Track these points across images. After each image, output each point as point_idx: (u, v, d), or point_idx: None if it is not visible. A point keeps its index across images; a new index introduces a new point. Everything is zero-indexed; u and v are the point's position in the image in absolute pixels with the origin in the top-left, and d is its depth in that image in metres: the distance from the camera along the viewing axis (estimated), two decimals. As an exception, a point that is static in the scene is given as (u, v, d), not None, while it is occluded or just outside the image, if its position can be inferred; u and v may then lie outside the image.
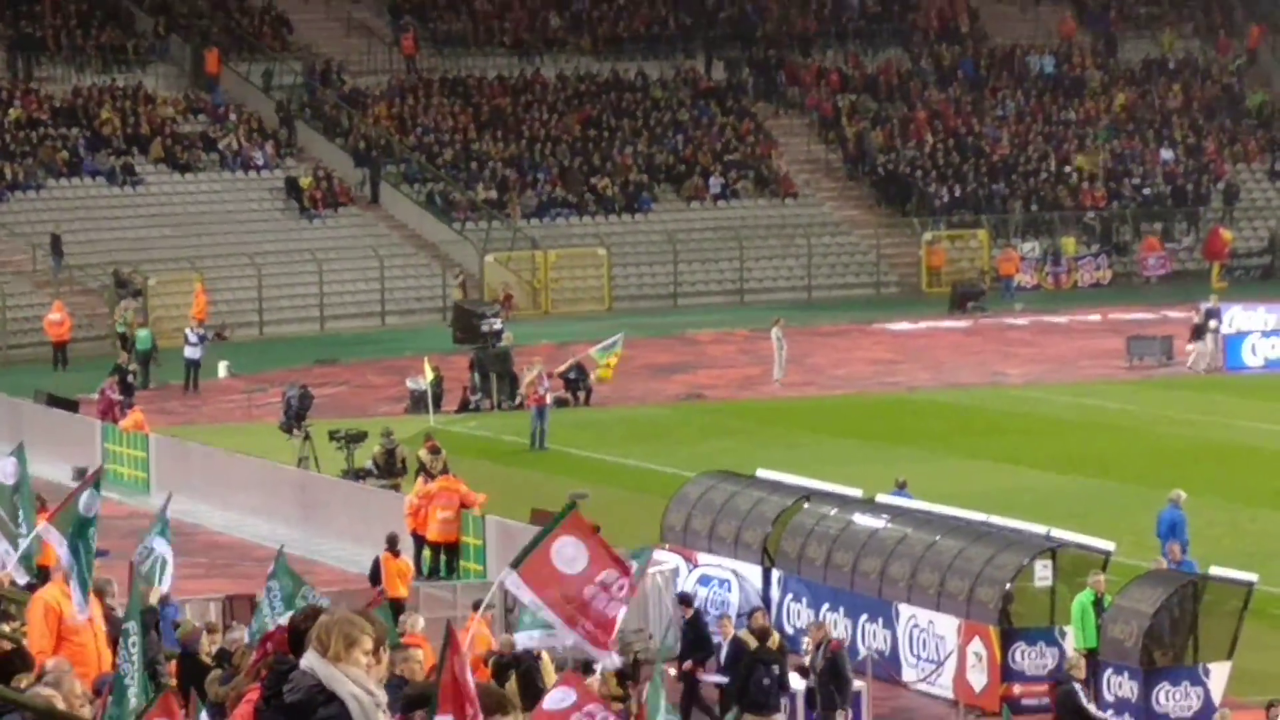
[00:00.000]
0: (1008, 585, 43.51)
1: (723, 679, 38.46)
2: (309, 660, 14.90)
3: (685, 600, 41.15)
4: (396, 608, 37.81)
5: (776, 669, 37.92)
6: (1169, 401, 71.99)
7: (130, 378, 68.75)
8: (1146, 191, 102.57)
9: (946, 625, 44.24)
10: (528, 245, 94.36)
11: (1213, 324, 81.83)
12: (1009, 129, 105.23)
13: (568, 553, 23.83)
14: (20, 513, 28.82)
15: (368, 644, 14.97)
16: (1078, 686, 38.99)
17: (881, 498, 49.05)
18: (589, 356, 69.48)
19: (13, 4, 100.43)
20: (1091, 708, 38.90)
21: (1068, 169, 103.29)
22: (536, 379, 62.80)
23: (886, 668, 44.03)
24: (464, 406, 71.30)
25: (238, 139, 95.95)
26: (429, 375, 71.14)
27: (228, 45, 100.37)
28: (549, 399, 61.54)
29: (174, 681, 24.13)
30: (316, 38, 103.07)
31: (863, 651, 44.31)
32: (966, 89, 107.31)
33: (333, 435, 61.13)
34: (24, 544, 28.27)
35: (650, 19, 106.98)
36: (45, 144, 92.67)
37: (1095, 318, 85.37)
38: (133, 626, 21.19)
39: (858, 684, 41.11)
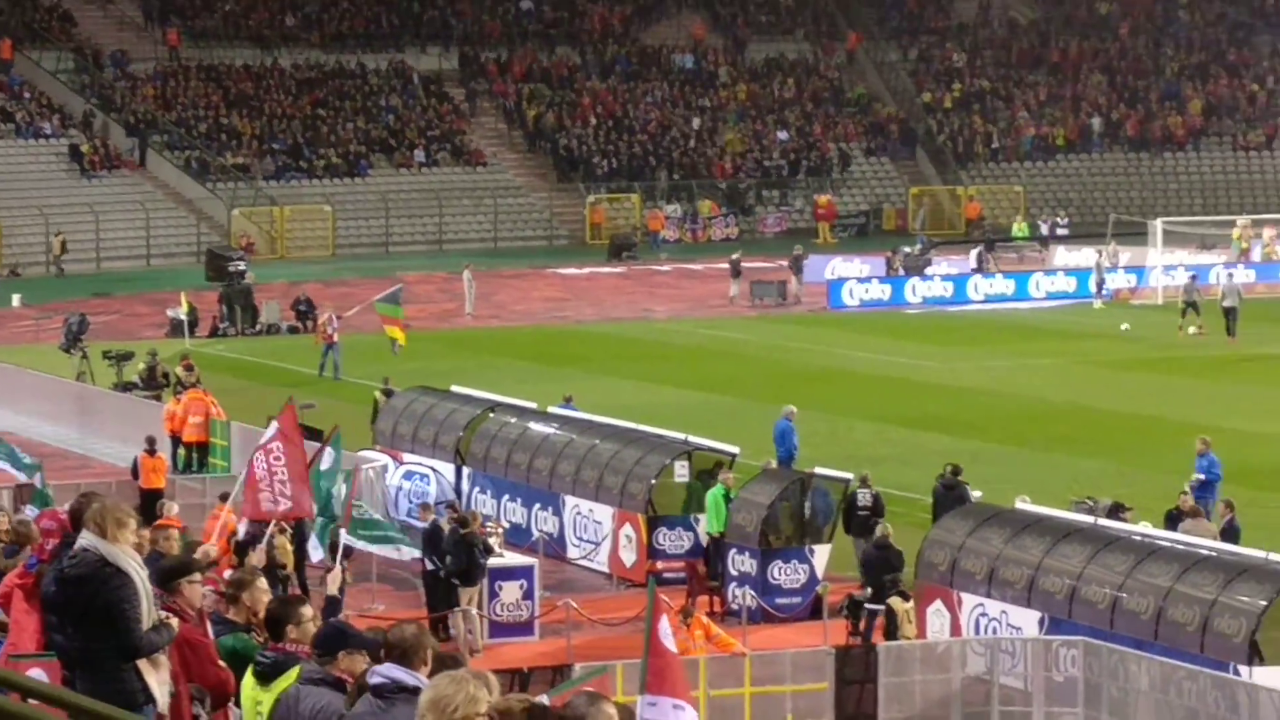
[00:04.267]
0: (653, 480, 43.68)
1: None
2: (88, 540, 14.71)
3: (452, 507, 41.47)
4: (154, 496, 37.64)
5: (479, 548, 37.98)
6: (783, 333, 72.48)
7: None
8: (767, 165, 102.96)
9: (603, 513, 44.41)
10: (267, 202, 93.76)
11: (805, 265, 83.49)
12: (656, 113, 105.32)
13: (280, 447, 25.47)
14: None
15: (134, 526, 14.87)
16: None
17: (552, 409, 49.09)
18: (372, 304, 69.15)
19: None
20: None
21: (715, 143, 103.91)
22: (326, 320, 62.55)
23: (554, 547, 44.16)
24: (214, 332, 71.18)
25: (29, 113, 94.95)
26: (185, 307, 70.82)
27: (22, 36, 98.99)
28: (336, 336, 61.11)
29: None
30: (95, 31, 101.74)
31: (535, 534, 44.54)
32: (623, 80, 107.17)
33: (105, 355, 61.18)
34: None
35: (368, 19, 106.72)
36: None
37: (724, 266, 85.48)
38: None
39: (530, 560, 41.24)
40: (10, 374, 56.40)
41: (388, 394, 53.08)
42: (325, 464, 28.61)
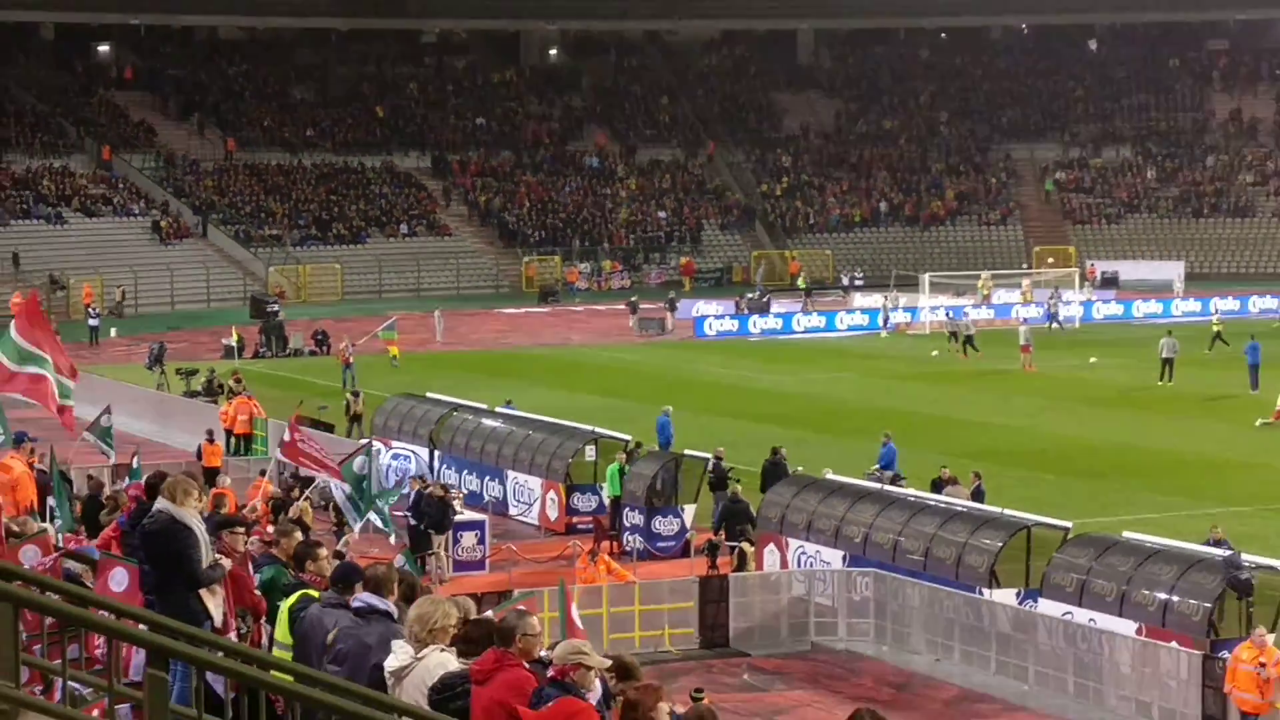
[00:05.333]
0: (569, 459, 43.65)
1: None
2: (162, 504, 14.68)
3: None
4: (213, 472, 37.53)
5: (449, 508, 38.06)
6: (662, 355, 72.43)
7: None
8: (650, 235, 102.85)
9: (534, 483, 44.35)
10: (294, 262, 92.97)
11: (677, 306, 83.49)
12: (572, 198, 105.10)
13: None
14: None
15: (196, 494, 14.87)
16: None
17: (498, 409, 49.03)
18: (375, 335, 69.25)
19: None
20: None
21: (614, 219, 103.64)
22: (345, 346, 62.65)
23: (499, 507, 44.16)
24: (255, 355, 70.57)
25: (123, 198, 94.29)
26: (235, 337, 70.30)
27: (118, 143, 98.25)
28: (351, 358, 61.18)
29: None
30: (171, 139, 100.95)
31: (486, 498, 44.59)
32: (548, 175, 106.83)
33: (178, 371, 60.86)
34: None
35: (367, 131, 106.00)
36: (8, 200, 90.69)
37: (622, 307, 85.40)
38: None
39: (482, 516, 41.17)
40: (110, 385, 56.06)
41: (355, 394, 54.68)
42: (357, 465, 28.87)
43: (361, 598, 14.06)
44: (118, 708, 11.16)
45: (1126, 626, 31.11)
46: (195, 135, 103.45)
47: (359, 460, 28.90)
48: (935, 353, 72.37)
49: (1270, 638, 28.08)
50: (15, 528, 17.50)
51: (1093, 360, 68.55)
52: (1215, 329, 72.06)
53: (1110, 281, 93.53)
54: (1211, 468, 48.05)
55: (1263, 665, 27.25)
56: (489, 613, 16.51)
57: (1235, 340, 66.20)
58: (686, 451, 43.65)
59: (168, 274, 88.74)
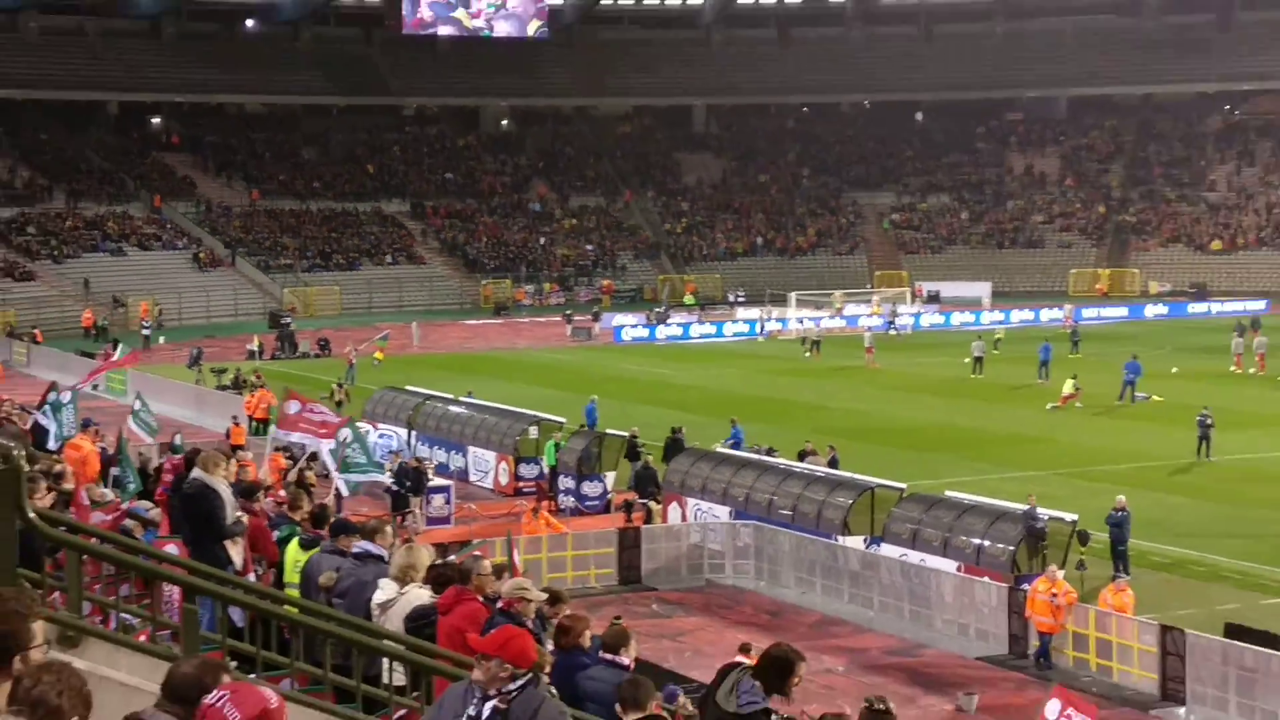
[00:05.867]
0: (517, 437, 43.53)
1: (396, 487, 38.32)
2: (196, 473, 14.48)
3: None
4: (238, 448, 37.11)
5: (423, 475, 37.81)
6: (590, 357, 72.20)
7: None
8: (581, 263, 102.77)
9: (490, 455, 44.20)
10: (303, 285, 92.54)
11: (601, 318, 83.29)
12: (520, 235, 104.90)
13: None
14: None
15: (224, 465, 14.67)
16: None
17: (461, 399, 48.85)
18: (372, 342, 69.19)
19: (68, 172, 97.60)
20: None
21: (554, 252, 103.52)
22: (349, 351, 62.82)
23: (463, 475, 43.87)
24: (273, 357, 69.97)
25: (170, 235, 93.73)
26: (256, 343, 70.14)
27: (165, 193, 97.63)
28: (354, 360, 61.10)
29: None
30: (209, 190, 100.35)
31: (452, 468, 44.30)
32: (501, 217, 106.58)
33: (211, 370, 60.56)
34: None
35: (360, 184, 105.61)
36: (81, 238, 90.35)
37: (559, 319, 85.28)
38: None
39: (449, 482, 41.04)
40: (158, 380, 55.73)
41: (339, 385, 54.16)
42: (342, 435, 28.49)
43: (360, 545, 14.02)
44: (159, 634, 11.05)
45: (949, 565, 31.41)
46: (226, 187, 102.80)
47: (343, 432, 28.57)
48: (808, 354, 72.71)
49: (1060, 573, 28.28)
50: (94, 496, 17.35)
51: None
52: (997, 337, 73.19)
53: (934, 298, 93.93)
54: (1013, 441, 48.38)
55: (1055, 595, 27.50)
56: (452, 558, 16.40)
57: (1025, 343, 66.71)
58: (608, 431, 43.76)
59: (204, 294, 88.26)
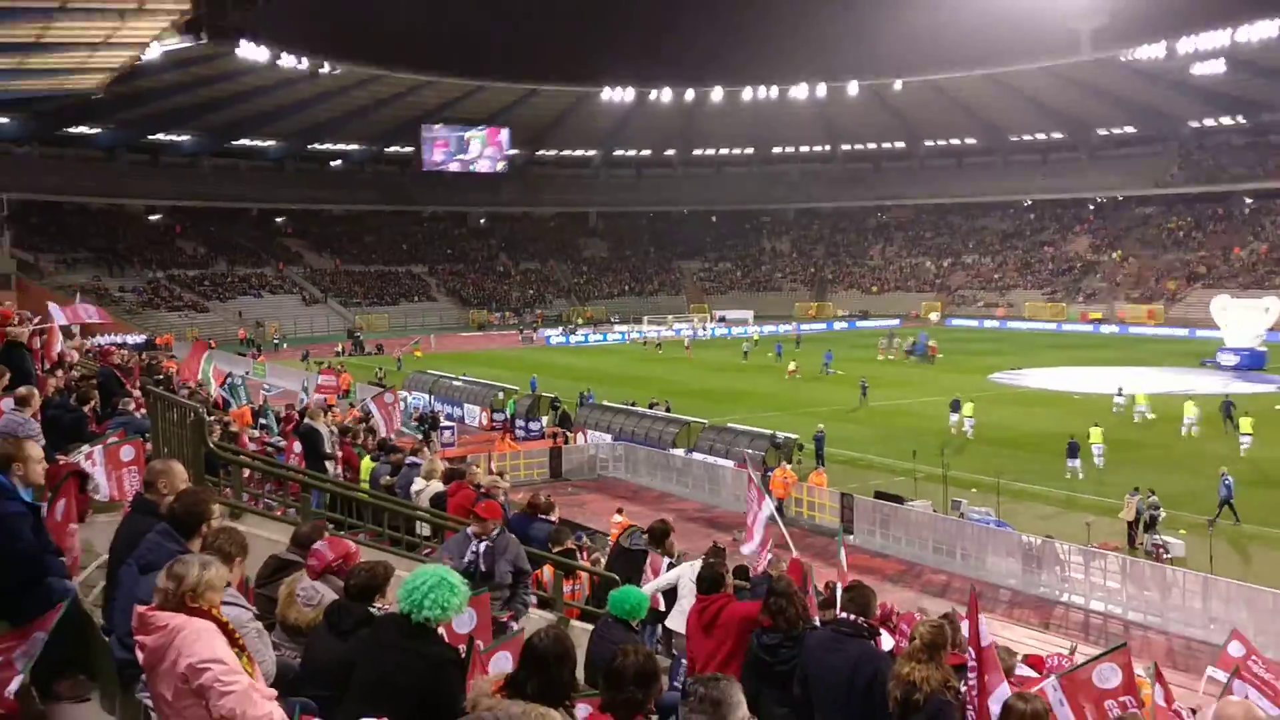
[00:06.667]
0: (491, 398, 42.83)
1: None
2: (308, 420, 13.98)
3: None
4: (331, 406, 36.43)
5: (440, 421, 37.01)
6: (535, 354, 71.13)
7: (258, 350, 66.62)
8: (527, 303, 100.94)
9: (475, 410, 43.51)
10: (367, 314, 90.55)
11: (539, 331, 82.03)
12: (494, 284, 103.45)
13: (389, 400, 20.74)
14: None
15: (323, 416, 14.00)
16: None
17: (458, 379, 47.89)
18: (409, 347, 67.92)
19: (229, 249, 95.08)
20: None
21: (514, 297, 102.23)
22: (398, 351, 60.94)
23: (461, 420, 43.17)
24: (350, 354, 68.30)
25: (288, 286, 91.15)
26: (341, 347, 68.69)
27: (286, 260, 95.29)
28: (400, 357, 59.21)
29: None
30: (311, 260, 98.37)
31: (455, 415, 43.60)
32: (479, 275, 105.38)
33: (315, 361, 58.13)
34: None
35: (398, 258, 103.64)
36: (238, 286, 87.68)
37: (515, 332, 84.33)
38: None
39: (452, 424, 40.49)
40: (283, 369, 54.10)
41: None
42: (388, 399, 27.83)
43: (411, 460, 13.91)
44: (287, 511, 11.00)
45: (730, 463, 31.58)
46: (321, 258, 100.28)
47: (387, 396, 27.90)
48: (659, 347, 72.68)
49: (789, 466, 28.62)
50: (255, 434, 17.09)
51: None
52: (754, 339, 74.02)
53: (722, 319, 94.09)
54: (765, 395, 48.40)
55: (785, 477, 27.80)
56: (459, 466, 16.29)
57: (770, 343, 67.29)
58: (543, 394, 43.52)
59: (309, 320, 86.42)
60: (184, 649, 4.19)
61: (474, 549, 8.48)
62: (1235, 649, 9.41)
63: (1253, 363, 54.96)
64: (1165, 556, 22.02)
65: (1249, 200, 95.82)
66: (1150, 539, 23.30)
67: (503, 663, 5.70)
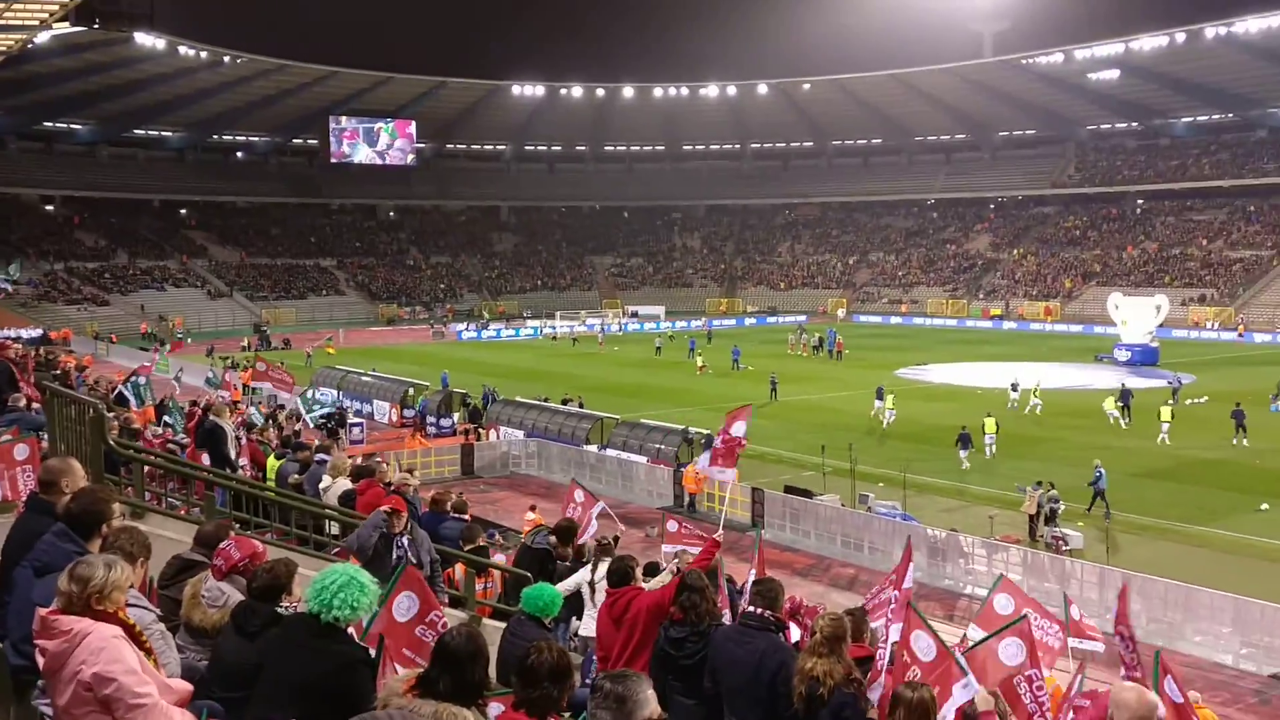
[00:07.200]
0: (401, 393, 42.38)
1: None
2: (212, 417, 13.71)
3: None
4: (236, 402, 35.50)
5: (346, 418, 36.46)
6: (444, 348, 70.68)
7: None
8: (436, 298, 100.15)
9: (386, 405, 43.04)
10: (274, 308, 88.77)
11: (449, 326, 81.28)
12: (404, 278, 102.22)
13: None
14: None
15: (228, 412, 13.77)
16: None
17: (366, 374, 47.41)
18: (322, 343, 66.48)
19: (130, 241, 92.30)
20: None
21: (422, 290, 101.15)
22: (318, 346, 59.65)
23: (370, 415, 42.61)
24: (255, 349, 66.63)
25: (193, 280, 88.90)
26: (246, 342, 67.23)
27: (190, 254, 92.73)
28: (311, 351, 57.84)
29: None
30: (216, 253, 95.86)
31: (364, 412, 42.88)
32: (389, 269, 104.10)
33: (220, 356, 57.16)
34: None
35: (306, 250, 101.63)
36: (140, 279, 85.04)
37: (425, 327, 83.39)
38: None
39: (362, 420, 39.94)
40: (187, 363, 52.41)
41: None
42: (300, 389, 27.46)
43: (319, 457, 13.67)
44: (191, 509, 10.78)
45: (643, 459, 31.72)
46: (226, 251, 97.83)
47: (300, 389, 27.66)
48: (574, 342, 72.73)
49: (703, 462, 28.69)
50: (158, 432, 16.70)
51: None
52: (669, 335, 74.47)
53: (634, 315, 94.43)
54: (677, 391, 48.62)
55: (696, 473, 27.97)
56: (368, 463, 16.04)
57: (683, 338, 67.68)
58: (454, 389, 43.18)
59: (214, 314, 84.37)
60: (89, 656, 4.08)
61: (400, 544, 8.58)
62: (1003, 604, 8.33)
63: (1145, 358, 57.09)
64: (1064, 548, 22.72)
65: (1140, 201, 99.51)
66: (1050, 531, 23.99)
67: (407, 603, 5.72)
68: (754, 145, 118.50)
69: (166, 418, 22.21)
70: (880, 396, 40.04)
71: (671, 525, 10.39)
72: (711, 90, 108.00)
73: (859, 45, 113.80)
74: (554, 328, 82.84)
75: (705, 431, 32.78)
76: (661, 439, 32.30)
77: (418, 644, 5.63)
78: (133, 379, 24.53)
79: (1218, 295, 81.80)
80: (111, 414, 14.61)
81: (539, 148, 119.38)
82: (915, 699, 4.84)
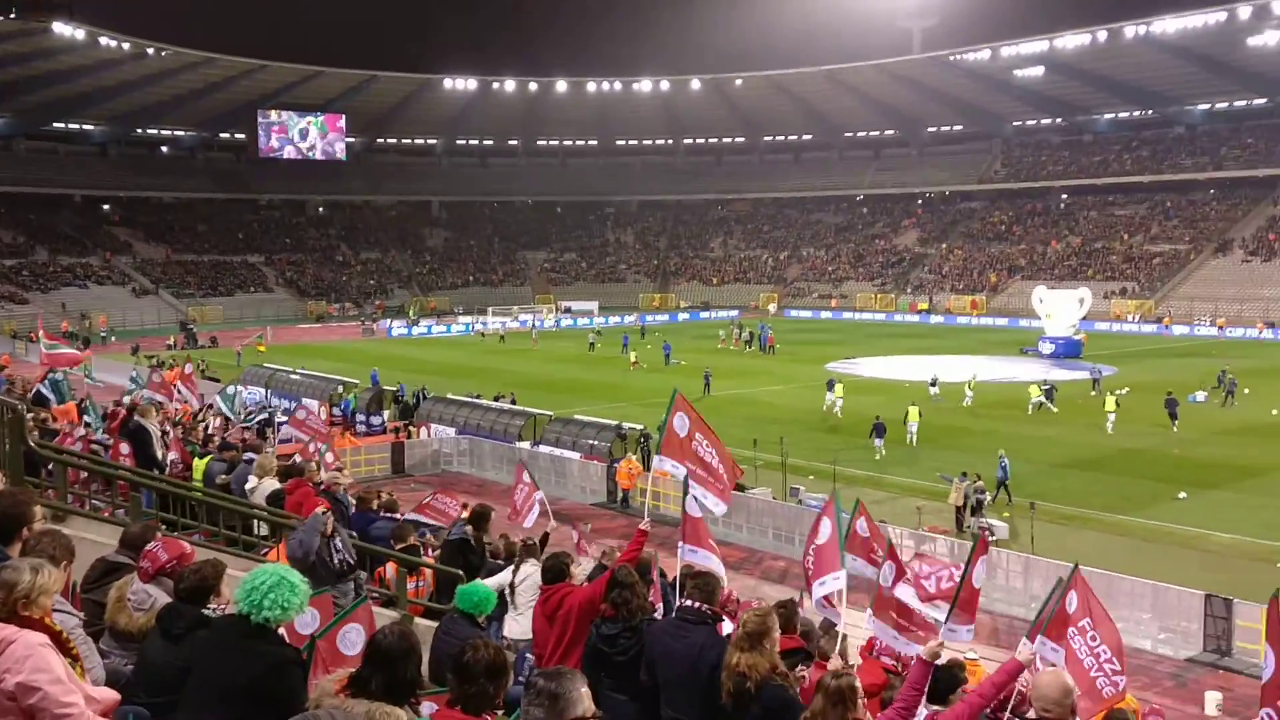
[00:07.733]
0: (331, 392, 41.79)
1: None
2: (137, 417, 13.52)
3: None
4: (162, 403, 34.88)
5: (275, 418, 35.88)
6: (374, 345, 70.05)
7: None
8: (364, 295, 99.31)
9: (315, 403, 42.24)
10: (201, 305, 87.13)
11: (380, 323, 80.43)
12: (333, 274, 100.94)
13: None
14: None
15: (154, 413, 13.47)
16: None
17: (297, 371, 46.65)
18: (256, 339, 65.08)
19: (50, 238, 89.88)
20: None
21: (353, 288, 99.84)
22: (249, 343, 58.51)
23: (297, 413, 42.06)
24: (182, 347, 64.78)
25: (117, 277, 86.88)
26: (172, 340, 65.83)
27: (115, 250, 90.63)
28: (241, 350, 56.88)
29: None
30: (141, 249, 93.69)
31: (293, 410, 42.35)
32: (318, 265, 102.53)
33: (145, 355, 55.81)
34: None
35: (234, 247, 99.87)
36: (62, 276, 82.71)
37: (355, 324, 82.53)
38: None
39: (300, 416, 39.37)
40: (112, 363, 51.26)
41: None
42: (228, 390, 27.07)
43: (246, 456, 13.54)
44: (116, 511, 10.61)
45: (576, 455, 31.80)
46: (151, 248, 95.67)
47: (230, 388, 27.29)
48: (502, 339, 72.45)
49: (634, 456, 28.96)
50: (80, 433, 16.36)
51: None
52: (599, 331, 74.72)
53: (568, 310, 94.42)
54: (610, 387, 48.77)
55: (631, 468, 28.13)
56: (297, 460, 15.92)
57: (616, 334, 67.78)
58: (385, 387, 42.79)
59: (139, 312, 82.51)
60: (13, 665, 3.99)
61: (337, 545, 8.46)
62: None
63: (1069, 350, 58.47)
64: (990, 539, 23.21)
65: (1064, 196, 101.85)
66: (976, 522, 24.49)
67: (354, 635, 5.64)
68: (687, 141, 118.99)
69: (86, 417, 21.72)
70: (830, 388, 40.45)
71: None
72: (645, 85, 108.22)
73: (791, 41, 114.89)
74: (485, 324, 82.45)
75: (638, 427, 32.91)
76: (595, 435, 32.36)
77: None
78: (51, 375, 23.91)
79: (1138, 289, 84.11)
80: (30, 414, 14.27)
81: (471, 142, 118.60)
82: (834, 687, 4.85)
